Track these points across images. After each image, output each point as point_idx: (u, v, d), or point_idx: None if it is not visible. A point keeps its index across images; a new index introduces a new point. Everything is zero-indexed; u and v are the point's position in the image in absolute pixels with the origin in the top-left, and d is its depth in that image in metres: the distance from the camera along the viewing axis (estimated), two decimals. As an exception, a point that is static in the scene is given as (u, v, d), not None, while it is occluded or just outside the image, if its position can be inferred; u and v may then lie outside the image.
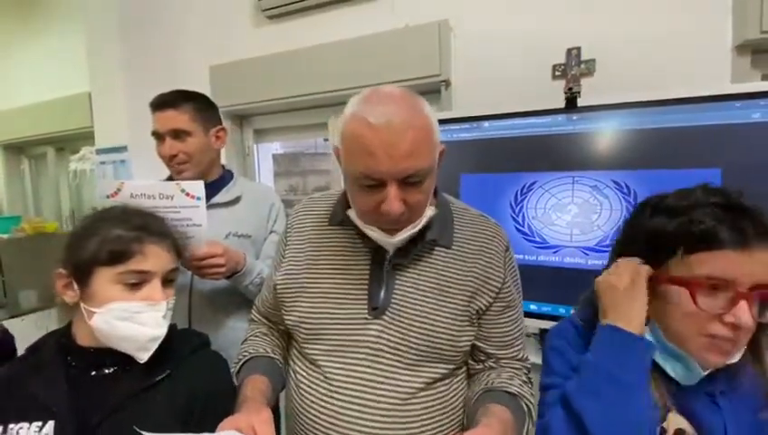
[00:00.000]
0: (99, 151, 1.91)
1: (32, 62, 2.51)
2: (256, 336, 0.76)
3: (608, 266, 0.60)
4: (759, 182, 0.94)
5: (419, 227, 0.60)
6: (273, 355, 0.72)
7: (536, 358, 0.73)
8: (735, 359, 0.51)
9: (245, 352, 0.73)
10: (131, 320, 0.61)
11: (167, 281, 0.66)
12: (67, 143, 2.55)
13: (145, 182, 0.85)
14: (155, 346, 0.63)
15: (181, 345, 0.70)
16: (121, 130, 1.88)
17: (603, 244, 1.08)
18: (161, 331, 0.63)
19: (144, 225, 0.65)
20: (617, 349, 0.51)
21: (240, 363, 0.71)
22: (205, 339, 0.75)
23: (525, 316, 1.14)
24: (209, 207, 0.90)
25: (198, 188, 0.84)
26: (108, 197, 0.82)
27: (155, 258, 0.63)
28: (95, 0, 1.85)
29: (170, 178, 1.05)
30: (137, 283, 0.62)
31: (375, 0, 1.62)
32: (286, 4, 1.70)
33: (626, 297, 0.53)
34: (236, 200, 1.06)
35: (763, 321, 0.49)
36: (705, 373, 0.52)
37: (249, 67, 1.77)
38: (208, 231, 0.87)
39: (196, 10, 1.94)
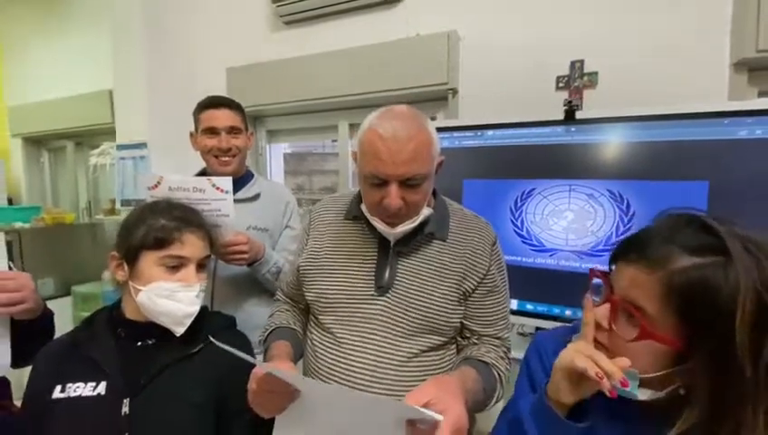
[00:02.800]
0: (119, 147, 2.05)
1: (53, 59, 2.69)
2: (281, 311, 0.92)
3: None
4: (742, 194, 1.04)
5: (416, 222, 0.75)
6: (294, 327, 0.88)
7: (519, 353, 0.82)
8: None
9: (272, 322, 0.88)
10: (170, 298, 0.74)
11: (200, 266, 0.79)
12: (85, 138, 2.71)
13: (181, 177, 0.99)
14: (189, 322, 0.76)
15: (212, 325, 0.83)
16: (142, 127, 2.03)
17: (596, 248, 1.19)
18: (194, 308, 0.76)
19: (184, 217, 0.78)
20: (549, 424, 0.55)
21: (267, 332, 0.86)
22: (232, 320, 0.88)
23: (522, 316, 1.27)
24: (234, 201, 1.02)
25: (227, 183, 0.98)
26: (149, 189, 0.96)
27: (191, 246, 0.76)
28: (121, 0, 2.00)
29: (202, 173, 1.20)
30: (175, 266, 0.75)
31: (389, 9, 1.75)
32: (303, 11, 1.83)
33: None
34: (256, 197, 1.20)
35: (615, 330, 0.52)
36: None
37: (264, 70, 1.91)
38: (234, 223, 1.00)
39: (215, 14, 2.09)
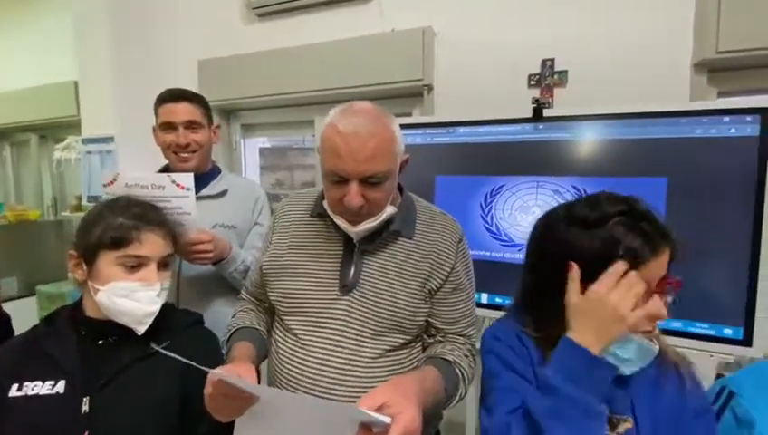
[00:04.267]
0: (85, 141, 2.01)
1: (16, 49, 2.60)
2: (244, 311, 0.91)
3: (527, 271, 0.69)
4: (698, 189, 1.10)
5: (378, 221, 0.75)
6: (258, 327, 0.88)
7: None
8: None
9: (235, 323, 0.88)
10: (129, 297, 0.74)
11: (162, 265, 0.79)
12: (50, 131, 2.64)
13: (139, 173, 0.98)
14: (150, 321, 0.76)
15: (178, 322, 0.84)
16: (108, 120, 1.98)
17: (562, 244, 1.24)
18: (155, 307, 0.76)
19: (143, 214, 0.77)
20: (593, 380, 0.55)
21: (229, 333, 0.86)
22: (199, 317, 0.89)
23: (492, 309, 1.31)
24: (198, 198, 1.02)
25: (188, 179, 0.97)
26: (104, 185, 0.95)
27: (151, 245, 0.76)
28: (85, -11, 1.95)
29: (165, 170, 1.18)
30: (134, 265, 0.75)
31: (364, 4, 1.76)
32: (276, 4, 1.83)
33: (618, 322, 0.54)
34: (223, 193, 1.20)
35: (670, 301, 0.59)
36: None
37: (238, 63, 1.90)
38: (197, 222, 1.00)
39: (186, 4, 2.06)
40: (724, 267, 1.08)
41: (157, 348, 0.71)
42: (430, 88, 1.66)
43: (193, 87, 1.27)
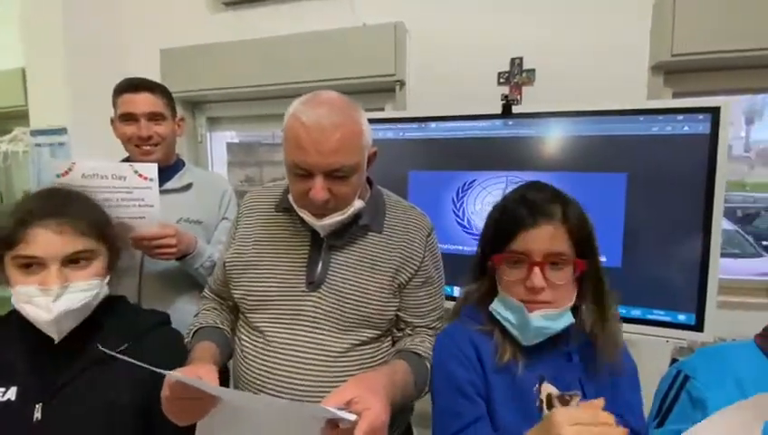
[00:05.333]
0: (34, 133, 1.87)
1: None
2: (207, 310, 0.88)
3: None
4: (656, 184, 1.17)
5: (346, 215, 0.73)
6: (221, 326, 0.84)
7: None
8: (566, 318, 0.66)
9: (197, 322, 0.84)
10: (30, 302, 0.66)
11: (72, 262, 0.68)
12: (-6, 121, 2.44)
13: (98, 163, 0.91)
14: (64, 329, 0.68)
15: (143, 322, 0.79)
16: (61, 110, 1.86)
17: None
18: (51, 316, 0.65)
19: (32, 210, 0.67)
20: None
21: (191, 333, 0.82)
22: (165, 318, 0.84)
23: (463, 303, 1.33)
24: (162, 192, 0.98)
25: (151, 169, 0.93)
26: (58, 176, 0.88)
27: (43, 243, 0.66)
28: (33, -32, 1.81)
29: (126, 161, 1.12)
30: (30, 266, 0.66)
31: (335, -3, 1.74)
32: (244, -8, 1.77)
33: None
34: (188, 187, 1.15)
35: (556, 281, 0.65)
36: (539, 325, 0.66)
37: (203, 53, 1.82)
38: (160, 215, 0.96)
39: (147, -11, 1.96)
40: (679, 258, 1.15)
41: (109, 352, 0.62)
42: (402, 83, 1.67)
43: (155, 77, 1.21)
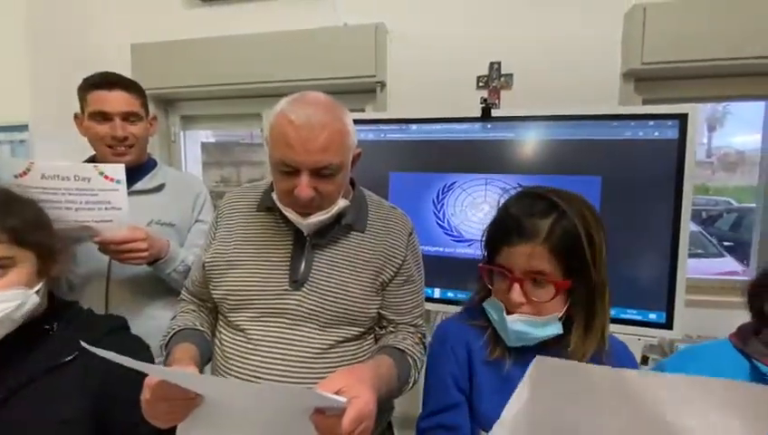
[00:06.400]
0: (-8, 129, 1.77)
1: None
2: (186, 312, 0.85)
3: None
4: (628, 187, 1.20)
5: (330, 214, 0.74)
6: (201, 328, 0.82)
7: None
8: (552, 328, 0.66)
9: (175, 325, 0.81)
10: None
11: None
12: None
13: (59, 163, 0.86)
14: None
15: (96, 328, 0.74)
16: (21, 106, 1.76)
17: (509, 239, 1.29)
18: None
19: None
20: None
21: (168, 336, 0.80)
22: (122, 322, 0.79)
23: (444, 303, 1.34)
24: (131, 193, 0.93)
25: (119, 170, 0.88)
26: (16, 177, 0.83)
27: None
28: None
29: (91, 161, 1.06)
30: None
31: (316, -5, 1.72)
32: (221, -12, 1.73)
33: None
34: (159, 188, 1.10)
35: (535, 299, 0.65)
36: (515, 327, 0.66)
37: (177, 49, 1.77)
38: (129, 218, 0.91)
39: (117, -19, 1.88)
40: (650, 258, 1.19)
41: (86, 347, 0.58)
42: (383, 85, 1.66)
43: (125, 73, 1.15)
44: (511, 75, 1.58)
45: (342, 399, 0.52)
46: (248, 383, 0.70)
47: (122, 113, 1.03)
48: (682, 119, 1.16)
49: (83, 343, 0.57)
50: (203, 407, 0.58)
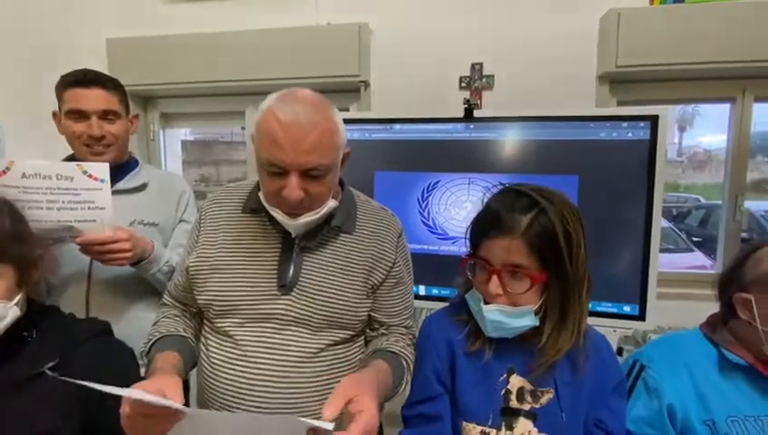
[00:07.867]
0: (-42, 126, 1.69)
1: None
2: (168, 317, 0.83)
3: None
4: (603, 185, 1.26)
5: (319, 215, 0.72)
6: (184, 334, 0.80)
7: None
8: (527, 319, 0.69)
9: (156, 331, 0.79)
10: None
11: None
12: None
13: (40, 162, 0.84)
14: None
15: (76, 333, 0.72)
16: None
17: (492, 236, 1.33)
18: None
19: None
20: None
21: (150, 343, 0.78)
22: (105, 326, 0.77)
23: (429, 300, 1.37)
24: (112, 193, 0.91)
25: (103, 170, 0.86)
26: None
27: None
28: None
29: (71, 159, 1.04)
30: None
31: (299, -6, 1.71)
32: (201, -17, 1.70)
33: None
34: (142, 187, 1.09)
35: (511, 291, 0.68)
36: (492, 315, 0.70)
37: (156, 45, 1.73)
38: (112, 218, 0.90)
39: (92, -27, 1.83)
40: (624, 253, 1.26)
41: (49, 373, 0.59)
42: (367, 84, 1.68)
43: (101, 68, 1.12)
44: (492, 76, 1.62)
45: (330, 425, 0.50)
46: (227, 414, 0.69)
47: (100, 111, 1.01)
48: (653, 120, 1.22)
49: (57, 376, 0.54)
50: (186, 423, 0.56)
